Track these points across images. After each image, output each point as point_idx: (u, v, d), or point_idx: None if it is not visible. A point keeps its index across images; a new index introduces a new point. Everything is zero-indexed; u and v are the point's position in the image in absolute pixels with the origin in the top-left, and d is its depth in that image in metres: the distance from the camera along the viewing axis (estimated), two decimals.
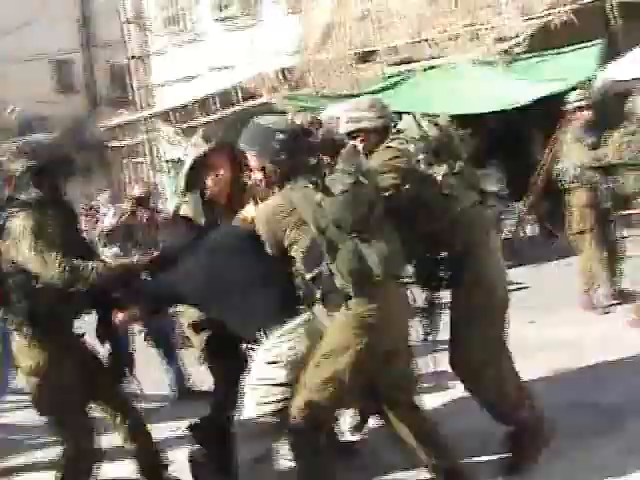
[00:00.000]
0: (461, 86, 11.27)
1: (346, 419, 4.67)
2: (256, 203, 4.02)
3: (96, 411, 4.34)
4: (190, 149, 4.50)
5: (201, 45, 16.94)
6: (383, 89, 12.20)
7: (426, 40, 12.49)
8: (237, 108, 14.21)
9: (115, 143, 18.24)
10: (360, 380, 3.69)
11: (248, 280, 3.78)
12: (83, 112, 27.04)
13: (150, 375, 5.76)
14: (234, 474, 3.99)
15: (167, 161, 17.56)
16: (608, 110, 7.02)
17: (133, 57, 18.54)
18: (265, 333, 3.74)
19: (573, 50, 11.06)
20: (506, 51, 11.41)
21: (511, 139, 11.92)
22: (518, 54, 11.39)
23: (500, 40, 11.62)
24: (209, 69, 16.27)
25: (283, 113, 12.30)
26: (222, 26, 16.79)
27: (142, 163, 18.33)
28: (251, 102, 13.84)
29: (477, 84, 11.05)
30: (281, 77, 13.65)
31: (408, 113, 4.62)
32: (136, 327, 6.63)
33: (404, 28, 12.90)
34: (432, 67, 12.16)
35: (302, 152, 3.69)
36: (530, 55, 11.45)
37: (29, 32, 25.77)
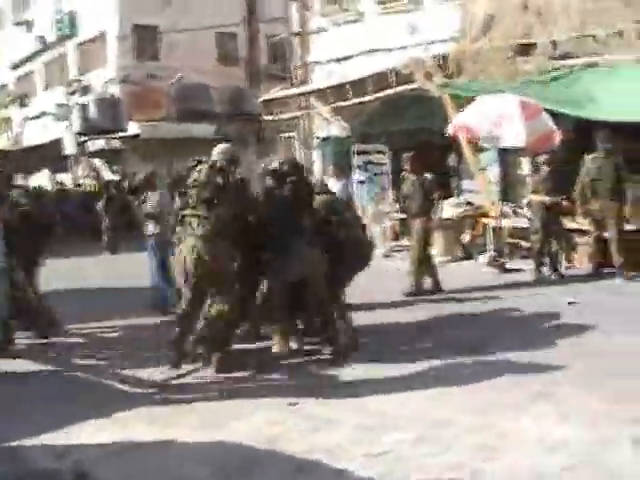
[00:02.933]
0: (623, 88, 10.80)
1: None
2: None
3: None
4: None
5: (360, 26, 16.98)
6: (541, 83, 11.90)
7: (589, 36, 12.02)
8: (391, 92, 14.24)
9: (271, 117, 18.68)
10: None
11: None
12: (242, 84, 27.81)
13: None
14: None
15: (317, 138, 17.85)
16: None
17: (294, 34, 18.80)
18: None
19: None
20: None
21: None
22: None
23: None
24: (366, 51, 16.29)
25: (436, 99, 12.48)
26: (382, 8, 16.76)
27: (293, 138, 18.63)
28: (405, 87, 13.81)
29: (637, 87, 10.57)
30: (437, 64, 13.51)
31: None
32: None
33: (566, 22, 12.46)
34: (594, 64, 11.72)
35: None
36: None
37: (197, 2, 26.68)
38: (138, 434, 5.01)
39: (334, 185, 11.34)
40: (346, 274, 7.08)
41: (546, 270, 10.46)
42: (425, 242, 9.78)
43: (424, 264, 9.75)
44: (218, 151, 6.87)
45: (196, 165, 6.58)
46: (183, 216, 6.47)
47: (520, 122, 10.19)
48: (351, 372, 6.23)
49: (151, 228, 9.23)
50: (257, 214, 6.75)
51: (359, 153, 14.80)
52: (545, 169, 10.58)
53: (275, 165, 6.80)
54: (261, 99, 19.57)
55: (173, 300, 8.30)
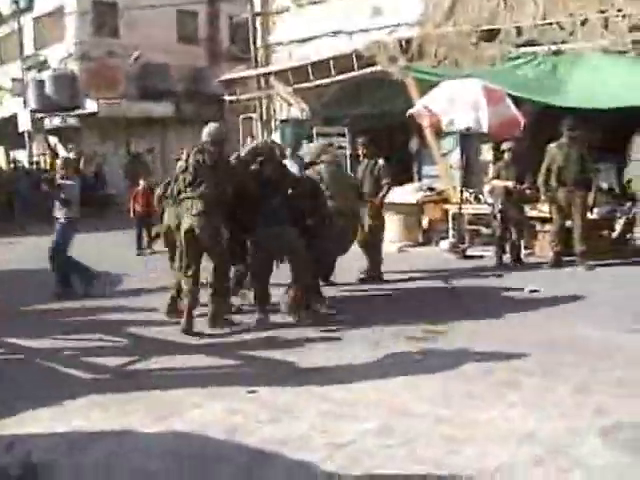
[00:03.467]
0: (587, 77, 10.75)
1: None
2: None
3: None
4: None
5: (323, 7, 16.69)
6: (505, 69, 11.81)
7: (554, 24, 11.93)
8: (353, 74, 14.06)
9: (231, 97, 18.38)
10: None
11: None
12: (203, 63, 27.40)
13: None
14: None
15: (278, 119, 17.59)
16: None
17: (256, 14, 18.49)
18: None
19: None
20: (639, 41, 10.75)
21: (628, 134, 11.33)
22: None
23: (634, 29, 10.95)
24: (329, 32, 16.06)
25: (399, 83, 12.34)
26: None
27: (254, 119, 18.38)
28: (368, 70, 13.65)
29: (604, 76, 10.50)
30: (400, 47, 13.35)
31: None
32: None
33: (531, 9, 12.36)
34: (558, 52, 11.65)
35: None
36: None
37: None
38: (91, 423, 4.77)
39: (291, 167, 11.28)
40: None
41: (507, 257, 10.40)
42: (374, 226, 9.56)
43: (367, 247, 9.54)
44: (204, 132, 7.42)
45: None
46: (181, 199, 7.21)
47: (483, 107, 10.10)
48: (312, 358, 6.07)
49: (61, 212, 9.26)
50: (243, 191, 7.30)
51: (320, 135, 14.61)
52: (507, 155, 10.50)
53: (252, 146, 7.54)
54: (221, 79, 19.27)
55: (77, 285, 9.34)
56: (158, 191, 8.43)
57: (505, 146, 10.57)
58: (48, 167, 23.86)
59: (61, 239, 9.27)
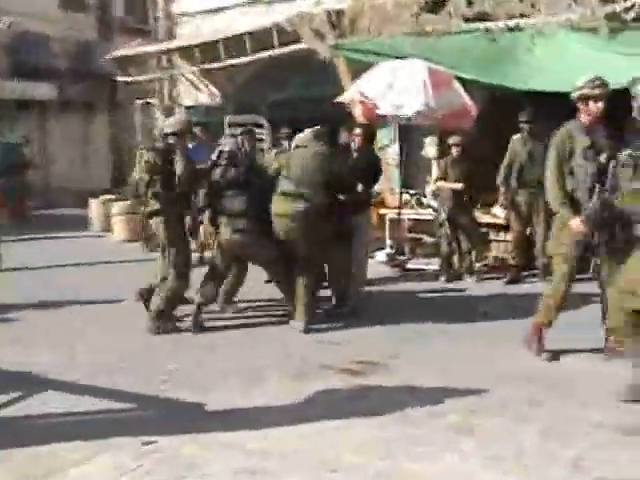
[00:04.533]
0: (551, 58, 10.77)
1: None
2: None
3: None
4: None
5: None
6: (452, 47, 11.77)
7: None
8: (273, 53, 13.96)
9: (126, 78, 18.07)
10: None
11: None
12: (92, 36, 26.89)
13: None
14: None
15: (183, 106, 17.37)
16: None
17: None
18: None
19: None
20: (613, 16, 10.79)
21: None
22: (627, 22, 10.77)
23: (606, 1, 11.03)
24: (244, 2, 15.94)
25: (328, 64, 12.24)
26: None
27: (153, 105, 18.13)
28: (290, 47, 13.55)
29: (572, 57, 10.55)
30: (329, 21, 13.28)
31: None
32: None
33: None
34: (516, 28, 11.67)
35: None
36: None
37: None
38: None
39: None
40: None
41: (453, 272, 10.39)
42: None
43: None
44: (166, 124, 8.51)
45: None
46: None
47: (427, 92, 10.03)
48: (222, 397, 5.88)
49: None
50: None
51: (233, 126, 14.41)
52: (455, 151, 10.49)
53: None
54: (114, 56, 18.92)
55: None
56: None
57: (452, 140, 10.57)
58: None
59: None
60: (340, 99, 11.16)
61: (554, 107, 10.14)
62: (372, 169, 9.05)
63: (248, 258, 8.41)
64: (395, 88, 10.27)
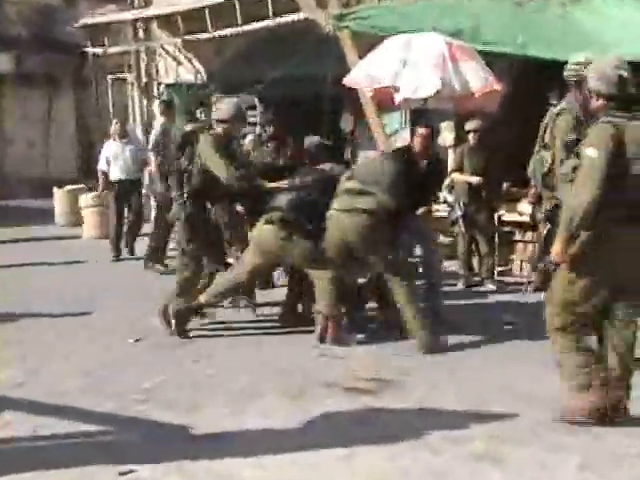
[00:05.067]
0: (586, 22, 10.74)
1: None
2: None
3: None
4: None
5: None
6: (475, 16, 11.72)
7: None
8: (267, 24, 13.97)
9: (96, 50, 18.05)
10: None
11: None
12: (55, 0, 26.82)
13: None
14: None
15: (162, 83, 17.36)
16: None
17: None
18: None
19: None
20: None
21: None
22: None
23: None
24: None
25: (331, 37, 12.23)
26: None
27: (128, 82, 18.12)
28: (287, 18, 13.57)
29: (611, 20, 10.52)
30: None
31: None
32: None
33: None
34: None
35: None
36: None
37: None
38: None
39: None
40: None
41: (473, 276, 10.43)
42: None
43: None
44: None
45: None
46: None
47: (447, 69, 10.01)
48: (211, 419, 5.90)
49: None
50: None
51: None
52: (473, 139, 10.51)
53: None
54: (82, 23, 18.92)
55: None
56: None
57: (470, 126, 10.58)
58: None
59: None
60: (345, 81, 11.15)
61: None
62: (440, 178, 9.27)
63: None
64: (409, 65, 10.24)
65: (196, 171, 8.33)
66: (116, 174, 13.53)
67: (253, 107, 14.43)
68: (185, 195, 8.35)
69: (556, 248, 5.62)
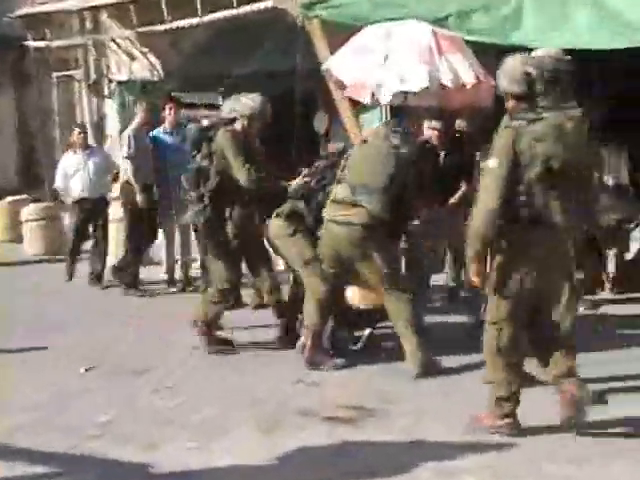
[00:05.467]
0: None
1: None
2: None
3: None
4: None
5: None
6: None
7: None
8: (230, 13, 13.97)
9: (38, 43, 17.97)
10: None
11: None
12: None
13: None
14: None
15: (112, 81, 17.28)
16: None
17: None
18: None
19: None
20: None
21: None
22: None
23: None
24: None
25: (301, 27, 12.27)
26: None
27: (76, 79, 18.07)
28: (254, 6, 13.58)
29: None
30: None
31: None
32: None
33: None
34: None
35: None
36: None
37: None
38: None
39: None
40: None
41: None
42: None
43: None
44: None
45: None
46: None
47: (435, 61, 10.06)
48: (176, 455, 5.92)
49: None
50: None
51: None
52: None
53: None
54: (21, 13, 18.85)
55: None
56: None
57: (459, 124, 10.61)
58: None
59: None
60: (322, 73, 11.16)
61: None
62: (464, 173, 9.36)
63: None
64: (391, 58, 10.28)
65: (214, 171, 8.40)
66: (77, 191, 13.04)
67: (217, 106, 14.38)
68: (206, 197, 8.41)
69: (472, 270, 5.95)
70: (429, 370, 7.67)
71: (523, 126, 5.68)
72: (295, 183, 8.53)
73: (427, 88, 9.82)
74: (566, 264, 6.17)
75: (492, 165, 5.73)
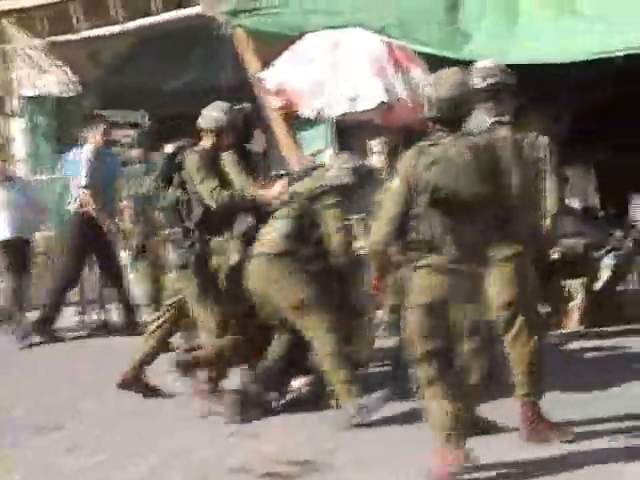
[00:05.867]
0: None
1: None
2: None
3: None
4: None
5: None
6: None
7: None
8: (154, 20, 14.01)
9: None
10: None
11: None
12: None
13: None
14: None
15: (21, 96, 17.23)
16: None
17: None
18: None
19: None
20: None
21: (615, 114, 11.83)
22: None
23: None
24: None
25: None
26: None
27: None
28: (178, 13, 13.63)
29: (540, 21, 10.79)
30: None
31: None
32: None
33: None
34: None
35: None
36: None
37: None
38: None
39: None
40: None
41: None
42: None
43: None
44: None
45: None
46: None
47: (388, 75, 10.16)
48: None
49: None
50: None
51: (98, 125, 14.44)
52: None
53: None
54: None
55: None
56: None
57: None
58: None
59: None
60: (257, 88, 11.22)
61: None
62: None
63: None
64: (340, 71, 10.34)
65: (195, 200, 8.24)
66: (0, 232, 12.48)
67: (137, 125, 14.32)
68: (194, 233, 8.24)
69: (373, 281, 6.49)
70: (366, 416, 7.57)
71: (425, 147, 5.88)
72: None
73: (384, 103, 9.99)
74: (474, 304, 6.10)
75: (394, 183, 6.01)
